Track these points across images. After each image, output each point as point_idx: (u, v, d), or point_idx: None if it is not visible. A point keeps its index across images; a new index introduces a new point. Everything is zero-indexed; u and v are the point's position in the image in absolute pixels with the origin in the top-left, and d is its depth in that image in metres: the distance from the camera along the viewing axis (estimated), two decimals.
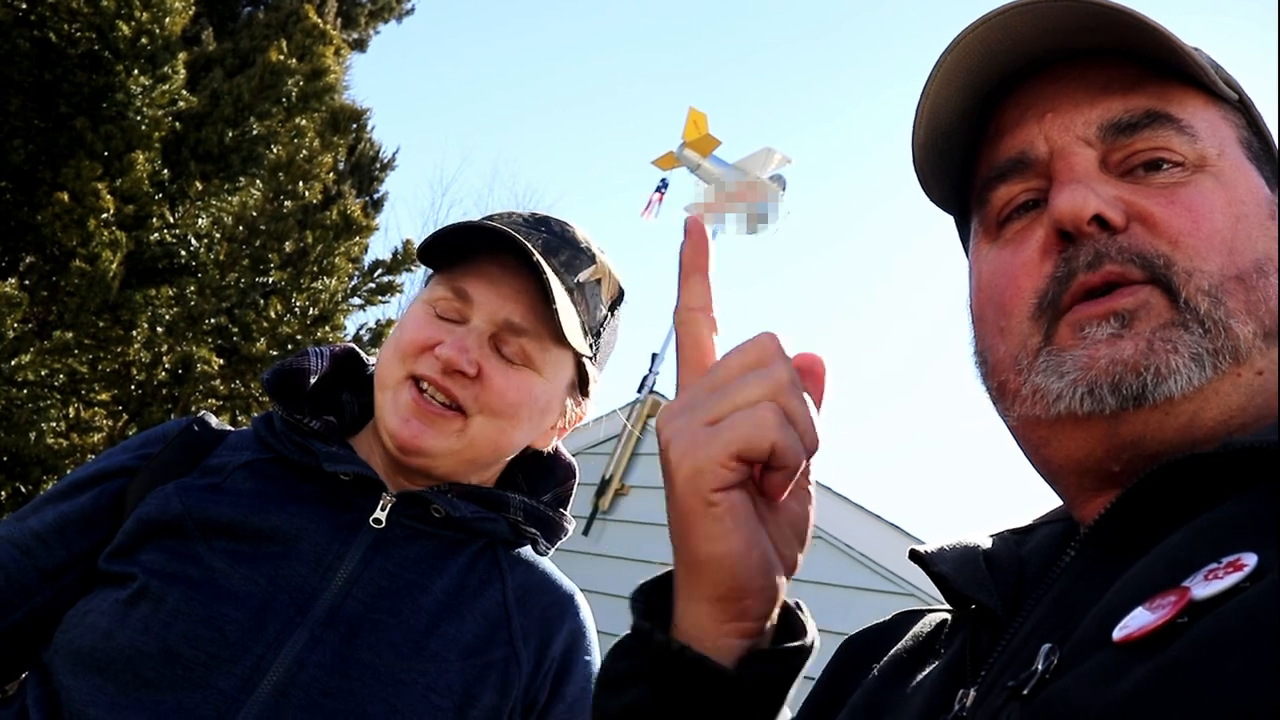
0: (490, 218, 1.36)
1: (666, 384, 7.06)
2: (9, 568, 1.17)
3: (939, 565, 0.77)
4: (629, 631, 0.70)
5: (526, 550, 1.36)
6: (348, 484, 1.25)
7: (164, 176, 5.54)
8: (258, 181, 5.91)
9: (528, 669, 1.23)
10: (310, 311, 5.74)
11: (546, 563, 1.37)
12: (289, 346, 5.59)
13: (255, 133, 5.89)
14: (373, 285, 6.21)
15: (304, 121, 6.03)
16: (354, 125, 7.69)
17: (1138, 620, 0.50)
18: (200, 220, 5.74)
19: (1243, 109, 0.78)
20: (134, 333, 5.18)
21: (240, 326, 5.54)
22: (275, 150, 5.91)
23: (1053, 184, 0.74)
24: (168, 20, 5.53)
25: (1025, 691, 0.56)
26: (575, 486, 1.46)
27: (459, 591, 1.24)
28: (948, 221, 0.93)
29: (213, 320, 5.51)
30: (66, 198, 4.92)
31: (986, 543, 0.80)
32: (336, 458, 1.24)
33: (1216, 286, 0.67)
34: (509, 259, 1.27)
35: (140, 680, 1.06)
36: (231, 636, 1.10)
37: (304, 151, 5.91)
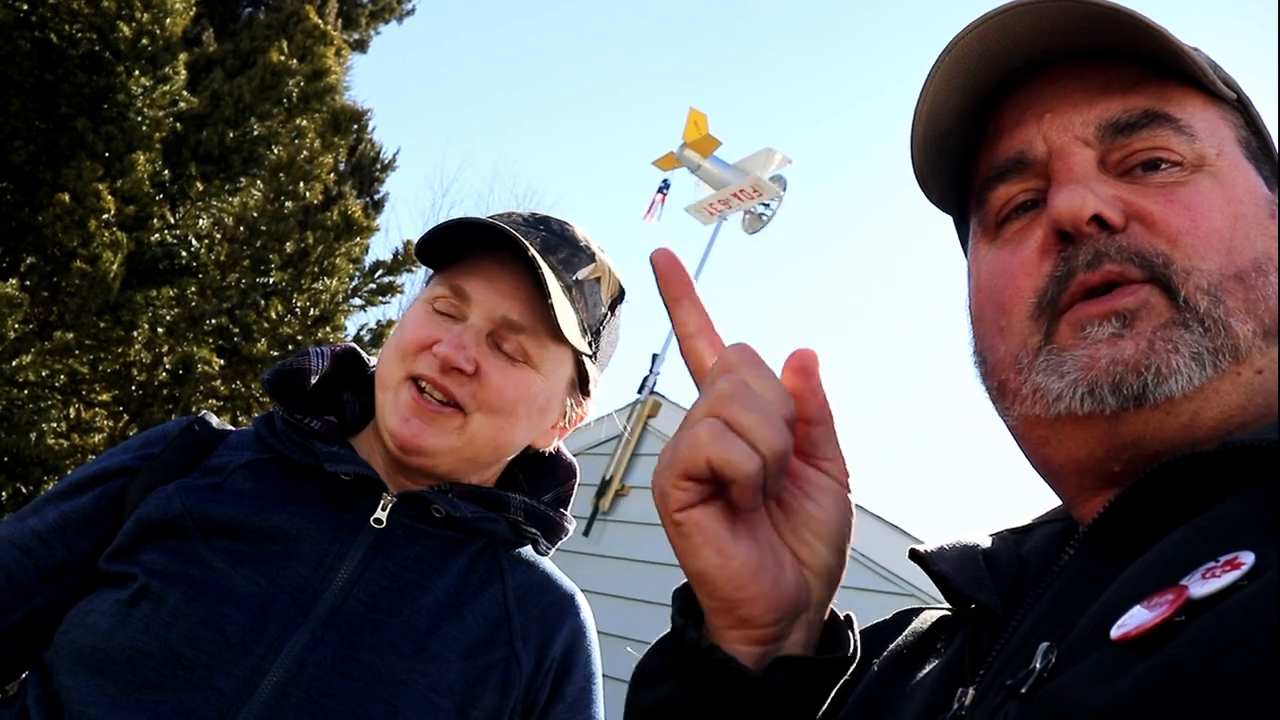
0: (491, 217, 1.36)
1: (667, 385, 7.06)
2: (9, 568, 1.17)
3: (939, 565, 0.77)
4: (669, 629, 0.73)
5: (527, 550, 1.36)
6: (348, 484, 1.25)
7: (165, 177, 5.54)
8: (258, 182, 5.91)
9: (528, 669, 1.23)
10: (311, 312, 5.75)
11: (547, 563, 1.37)
12: (290, 347, 5.59)
13: (256, 133, 5.89)
14: (373, 286, 6.21)
15: (305, 122, 6.04)
16: (355, 126, 7.70)
17: (1136, 619, 0.50)
18: (201, 221, 5.74)
19: (1241, 109, 0.78)
20: (135, 333, 5.19)
21: (241, 327, 5.55)
22: (276, 151, 5.91)
23: (1051, 184, 0.74)
24: (168, 21, 5.53)
25: (1023, 690, 0.56)
26: (576, 487, 1.46)
27: (459, 591, 1.24)
28: (947, 222, 0.93)
29: (213, 321, 5.52)
30: (67, 198, 4.93)
31: (986, 542, 0.80)
32: (337, 458, 1.24)
33: (1216, 285, 0.67)
34: (507, 257, 1.27)
35: (141, 681, 1.06)
36: (232, 637, 1.10)
37: (305, 152, 5.91)
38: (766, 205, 8.68)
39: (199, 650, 1.08)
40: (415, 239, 1.31)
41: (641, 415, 6.76)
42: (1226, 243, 0.69)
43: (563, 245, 1.33)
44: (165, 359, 5.28)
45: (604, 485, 6.65)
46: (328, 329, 5.82)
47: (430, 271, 1.37)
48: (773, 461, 0.65)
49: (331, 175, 6.59)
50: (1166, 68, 0.75)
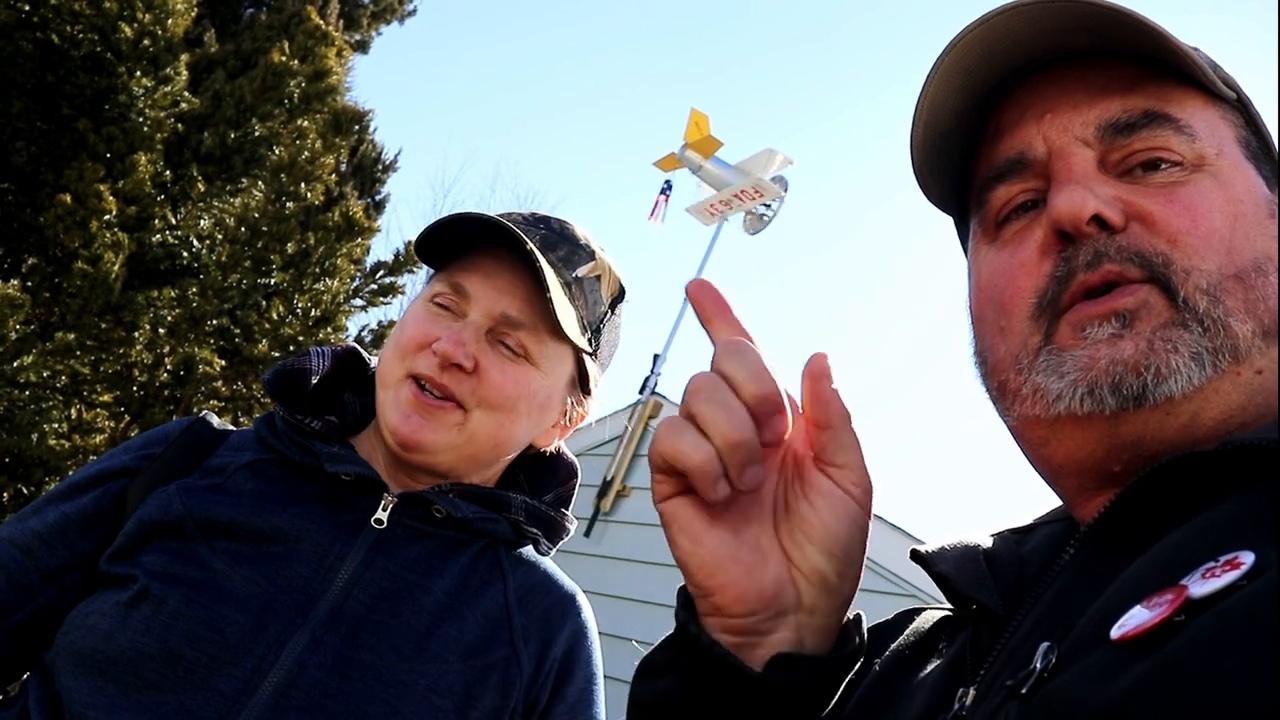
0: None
1: (668, 385, 7.06)
2: (10, 568, 1.17)
3: (940, 565, 0.77)
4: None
5: (528, 550, 1.36)
6: (349, 484, 1.25)
7: (166, 178, 5.55)
8: (260, 183, 5.92)
9: (529, 669, 1.23)
10: (312, 313, 5.75)
11: (548, 563, 1.37)
12: (291, 348, 5.59)
13: (257, 134, 5.90)
14: (374, 286, 6.22)
15: (306, 123, 6.05)
16: (356, 127, 7.71)
17: (1135, 619, 0.50)
18: (202, 221, 5.74)
19: (1241, 108, 0.78)
20: (136, 334, 5.19)
21: (242, 328, 5.55)
22: (277, 152, 5.92)
23: (1051, 184, 0.74)
24: (170, 22, 5.54)
25: (1024, 690, 0.56)
26: (577, 486, 1.46)
27: (460, 592, 1.24)
28: (947, 222, 0.93)
29: (215, 321, 5.52)
30: (69, 199, 4.93)
31: (987, 542, 0.80)
32: (338, 458, 1.24)
33: (1215, 285, 0.67)
34: (506, 254, 1.27)
35: (141, 682, 1.06)
36: (232, 638, 1.10)
37: (306, 153, 5.92)
38: (768, 206, 8.67)
39: (199, 651, 1.08)
40: (416, 239, 1.31)
41: (643, 416, 6.76)
42: (1226, 243, 0.69)
43: (562, 243, 1.33)
44: (166, 360, 5.28)
45: (605, 486, 6.66)
46: (329, 330, 5.82)
47: (431, 271, 1.37)
48: (727, 451, 0.66)
49: (333, 176, 6.60)
50: (1166, 68, 0.75)
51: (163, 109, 5.56)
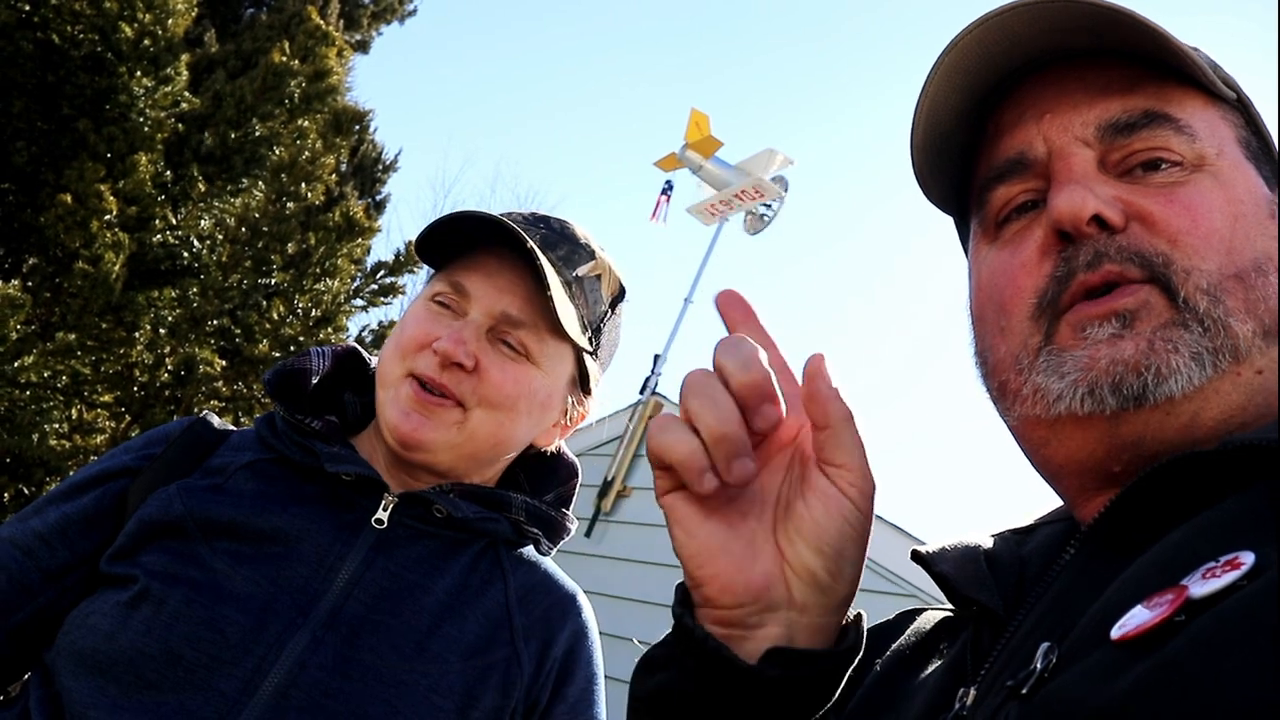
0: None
1: (669, 386, 7.06)
2: (11, 568, 1.17)
3: (941, 565, 0.77)
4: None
5: (529, 550, 1.36)
6: (349, 484, 1.25)
7: (167, 178, 5.55)
8: (260, 183, 5.92)
9: (529, 669, 1.23)
10: (313, 313, 5.75)
11: (549, 563, 1.37)
12: (291, 348, 5.59)
13: (258, 134, 5.90)
14: (375, 287, 6.22)
15: (306, 123, 6.05)
16: (356, 127, 7.71)
17: (1136, 619, 0.50)
18: (203, 222, 5.75)
19: (1241, 108, 0.78)
20: (137, 334, 5.19)
21: (243, 328, 5.55)
22: (278, 152, 5.92)
23: (1051, 184, 0.74)
24: (170, 22, 5.54)
25: (1024, 690, 0.56)
26: (578, 486, 1.46)
27: (461, 592, 1.24)
28: (947, 222, 0.93)
29: (215, 322, 5.52)
30: (69, 199, 4.94)
31: (988, 543, 0.80)
32: (338, 458, 1.24)
33: (1215, 285, 0.67)
34: (506, 253, 1.27)
35: (142, 682, 1.06)
36: (233, 638, 1.10)
37: (306, 153, 5.92)
38: (768, 206, 8.68)
39: (199, 651, 1.08)
40: (417, 237, 1.31)
41: (643, 416, 6.76)
42: (1226, 243, 0.69)
43: (562, 242, 1.33)
44: (167, 360, 5.28)
45: (606, 486, 6.66)
46: (329, 330, 5.83)
47: (431, 271, 1.37)
48: (713, 444, 0.67)
49: (333, 176, 6.60)
50: (1166, 68, 0.75)
51: (163, 109, 5.56)
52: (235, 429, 1.35)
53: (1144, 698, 0.45)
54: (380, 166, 12.23)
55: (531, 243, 1.23)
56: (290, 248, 5.68)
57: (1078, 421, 0.70)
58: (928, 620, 0.87)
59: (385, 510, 1.24)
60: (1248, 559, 0.49)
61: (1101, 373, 0.67)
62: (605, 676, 1.35)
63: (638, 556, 6.11)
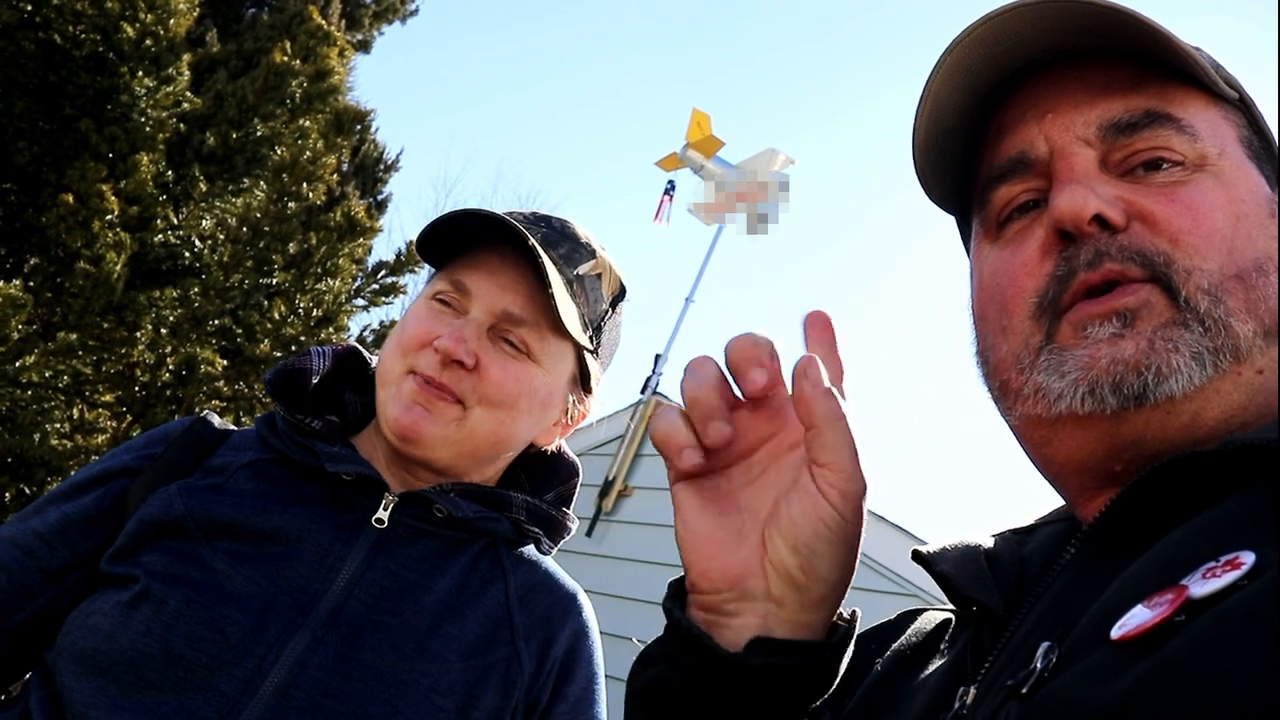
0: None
1: (670, 385, 7.06)
2: (12, 568, 1.17)
3: (941, 565, 0.77)
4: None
5: (529, 549, 1.35)
6: (350, 484, 1.25)
7: (168, 178, 5.56)
8: (261, 183, 5.92)
9: (530, 669, 1.23)
10: (314, 313, 5.75)
11: (549, 562, 1.37)
12: (293, 348, 5.59)
13: (259, 134, 5.91)
14: (376, 286, 6.22)
15: (308, 123, 6.05)
16: (358, 126, 7.72)
17: (1136, 618, 0.50)
18: (204, 222, 5.75)
19: (1243, 108, 0.78)
20: (138, 334, 5.19)
21: (244, 328, 5.55)
22: (279, 151, 5.92)
23: (1053, 184, 0.74)
24: (172, 22, 5.55)
25: (1024, 690, 0.56)
26: (579, 485, 1.46)
27: (461, 591, 1.24)
28: (948, 222, 0.93)
29: (216, 321, 5.52)
30: (71, 199, 4.94)
31: (989, 542, 0.80)
32: (338, 458, 1.24)
33: (1216, 285, 0.67)
34: (508, 251, 1.27)
35: (142, 682, 1.06)
36: (233, 638, 1.10)
37: (308, 153, 5.92)
38: (769, 206, 8.68)
39: (200, 651, 1.08)
40: (418, 236, 1.31)
41: (644, 416, 6.76)
42: (1228, 242, 0.69)
43: (563, 241, 1.33)
44: (168, 360, 5.28)
45: (607, 486, 6.66)
46: (331, 330, 5.83)
47: (432, 271, 1.37)
48: (690, 408, 0.72)
49: (334, 176, 6.60)
50: (1168, 68, 0.75)
51: (165, 109, 5.57)
52: (236, 429, 1.35)
53: (1144, 697, 0.45)
54: (382, 166, 12.23)
55: (533, 240, 1.23)
56: (291, 247, 5.69)
57: (1078, 421, 0.70)
58: (928, 620, 0.87)
59: (386, 510, 1.24)
60: (1248, 559, 0.49)
61: (1102, 372, 0.67)
62: (606, 676, 1.35)
63: (638, 556, 6.11)
